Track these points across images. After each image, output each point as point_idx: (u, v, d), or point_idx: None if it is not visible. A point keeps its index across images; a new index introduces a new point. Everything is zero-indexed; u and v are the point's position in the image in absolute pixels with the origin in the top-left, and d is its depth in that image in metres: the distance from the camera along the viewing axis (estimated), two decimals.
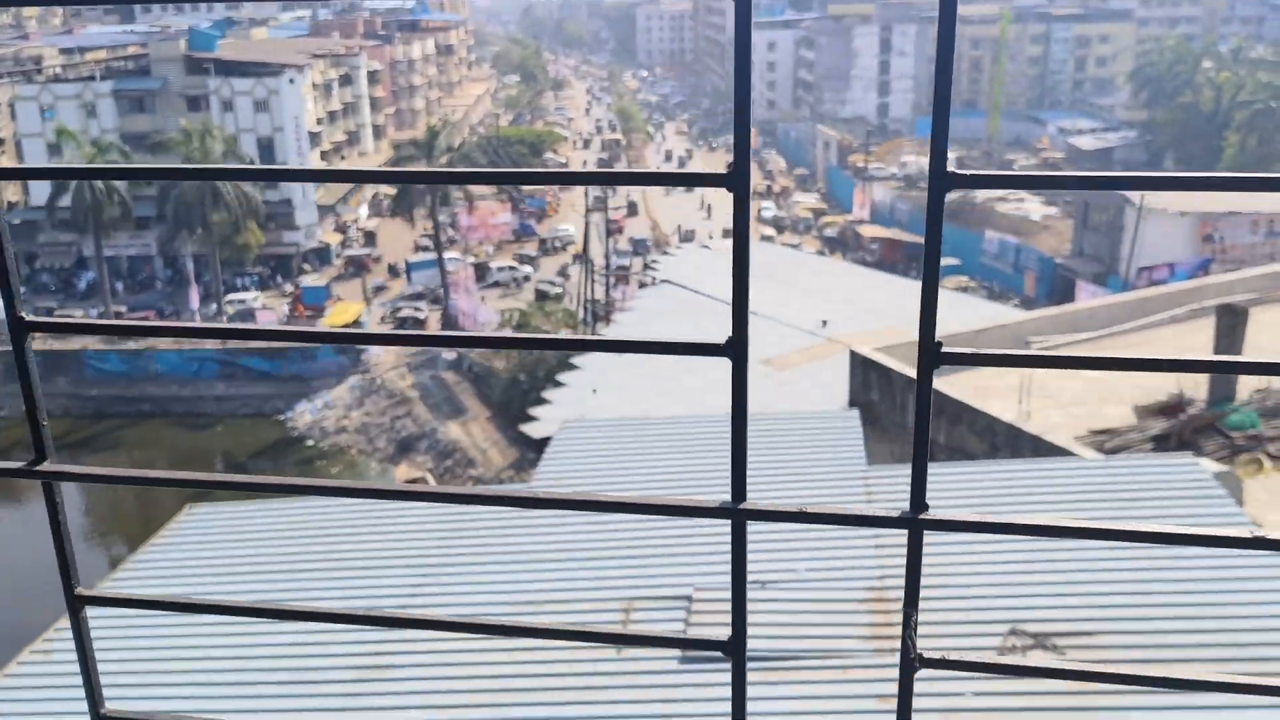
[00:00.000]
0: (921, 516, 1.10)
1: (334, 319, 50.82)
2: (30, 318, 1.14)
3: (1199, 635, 8.98)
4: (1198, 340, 19.21)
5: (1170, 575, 9.78)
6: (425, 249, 60.50)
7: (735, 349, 1.11)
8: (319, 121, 63.61)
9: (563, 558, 10.66)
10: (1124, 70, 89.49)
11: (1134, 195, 48.68)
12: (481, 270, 56.12)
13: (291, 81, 58.38)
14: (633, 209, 73.63)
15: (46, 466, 1.14)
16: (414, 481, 30.80)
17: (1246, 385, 18.06)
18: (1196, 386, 18.08)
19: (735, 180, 1.11)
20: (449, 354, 48.77)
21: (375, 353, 49.47)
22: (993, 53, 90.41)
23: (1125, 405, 17.97)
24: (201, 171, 1.23)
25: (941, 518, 1.14)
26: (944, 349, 1.09)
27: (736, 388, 1.13)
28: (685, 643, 1.31)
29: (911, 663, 1.09)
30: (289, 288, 56.09)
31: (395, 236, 63.84)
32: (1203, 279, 27.26)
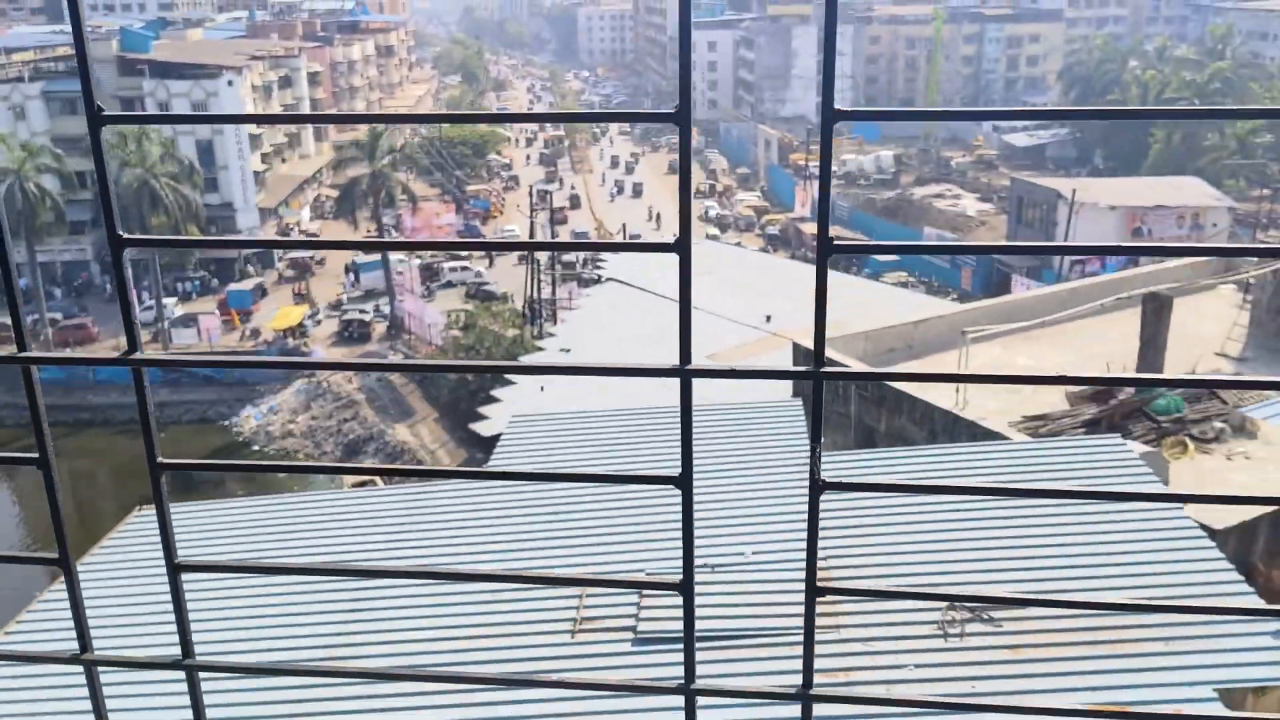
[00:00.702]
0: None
1: (277, 323, 50.29)
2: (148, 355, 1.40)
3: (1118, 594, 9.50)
4: (1125, 328, 19.98)
5: (1095, 547, 10.32)
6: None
7: (680, 248, 1.39)
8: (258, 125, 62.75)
9: (518, 544, 10.90)
10: (1054, 69, 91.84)
11: (1065, 190, 50.11)
12: (433, 271, 55.85)
13: (230, 84, 57.62)
14: (575, 202, 74.50)
15: (138, 355, 1.41)
16: (365, 484, 30.73)
17: (1172, 371, 18.84)
18: (1125, 373, 18.83)
19: (680, 117, 1.37)
20: (395, 355, 48.53)
21: (322, 354, 49.06)
22: (928, 52, 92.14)
23: (1057, 392, 18.65)
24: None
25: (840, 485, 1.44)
26: (836, 242, 1.39)
27: (683, 281, 1.42)
28: (642, 584, 1.59)
29: (819, 485, 1.40)
30: (259, 292, 55.33)
31: (338, 238, 63.28)
32: (1131, 270, 28.25)
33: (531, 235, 51.10)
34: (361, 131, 56.46)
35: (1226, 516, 14.67)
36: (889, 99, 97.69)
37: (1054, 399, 18.53)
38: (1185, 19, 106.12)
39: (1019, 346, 21.15)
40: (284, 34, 78.36)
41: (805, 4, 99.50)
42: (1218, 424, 17.04)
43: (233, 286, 54.34)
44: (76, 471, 42.38)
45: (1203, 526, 13.56)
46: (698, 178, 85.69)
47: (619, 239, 64.40)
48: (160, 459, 1.47)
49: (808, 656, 1.49)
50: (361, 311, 52.00)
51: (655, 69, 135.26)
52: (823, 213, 1.38)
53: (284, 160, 68.35)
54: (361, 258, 55.56)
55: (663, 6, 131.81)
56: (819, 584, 1.44)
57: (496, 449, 14.34)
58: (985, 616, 9.75)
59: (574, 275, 50.40)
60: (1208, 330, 20.64)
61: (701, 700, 1.59)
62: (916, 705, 1.52)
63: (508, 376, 31.46)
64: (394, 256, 54.42)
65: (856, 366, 19.65)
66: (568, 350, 30.79)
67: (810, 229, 63.02)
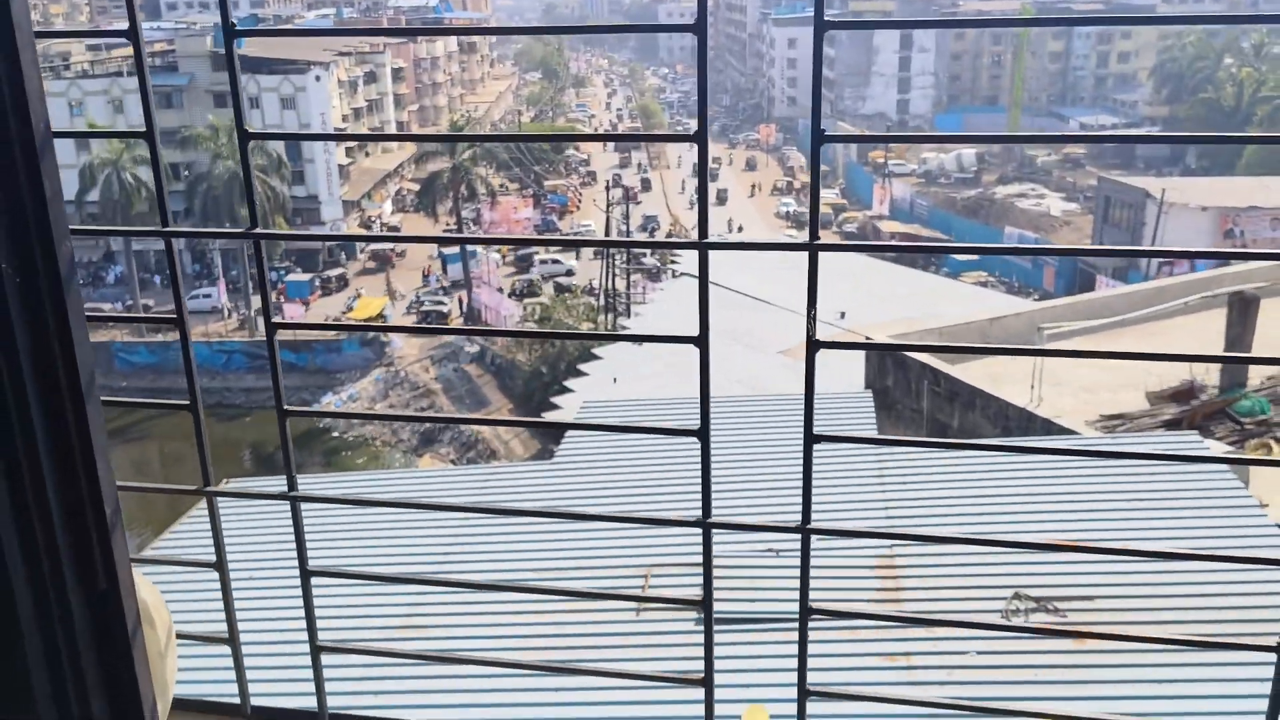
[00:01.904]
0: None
1: (359, 313, 51.57)
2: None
3: (1187, 599, 9.37)
4: (1210, 329, 19.46)
5: (1166, 544, 10.16)
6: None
7: (700, 249, 1.58)
8: (344, 118, 64.46)
9: (583, 529, 11.14)
10: (1146, 66, 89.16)
11: (1155, 190, 48.72)
12: (525, 264, 57.12)
13: (318, 79, 59.21)
14: (646, 185, 77.05)
15: (275, 320, 1.67)
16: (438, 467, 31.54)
17: (1259, 373, 18.33)
18: (1209, 373, 18.36)
19: (699, 138, 1.57)
20: (471, 347, 49.41)
21: (399, 345, 50.18)
22: (1014, 48, 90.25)
23: (1138, 391, 18.28)
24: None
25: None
26: (819, 244, 1.56)
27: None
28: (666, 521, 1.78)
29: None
30: (315, 282, 56.89)
31: (418, 231, 64.63)
32: (1219, 270, 27.45)
33: (607, 231, 51.53)
34: (443, 126, 57.56)
35: None
36: (973, 97, 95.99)
37: (1134, 398, 18.18)
38: None
39: (1101, 344, 20.76)
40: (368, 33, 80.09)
41: (889, 1, 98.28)
42: None
43: (290, 278, 55.70)
44: (166, 453, 44.08)
45: None
46: (775, 174, 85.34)
47: (693, 233, 64.44)
48: (285, 406, 1.74)
49: (806, 498, 1.67)
50: (438, 303, 53.04)
51: (735, 65, 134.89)
52: (814, 211, 1.54)
53: (367, 154, 69.96)
54: (448, 250, 56.73)
55: (742, 4, 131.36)
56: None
57: (565, 437, 14.63)
58: (1051, 607, 9.70)
59: (646, 269, 50.70)
60: None
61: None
62: (902, 539, 1.67)
63: (579, 368, 31.89)
64: (479, 250, 55.39)
65: (930, 362, 19.50)
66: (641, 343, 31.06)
67: (889, 227, 62.39)
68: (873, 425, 14.05)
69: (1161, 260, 44.55)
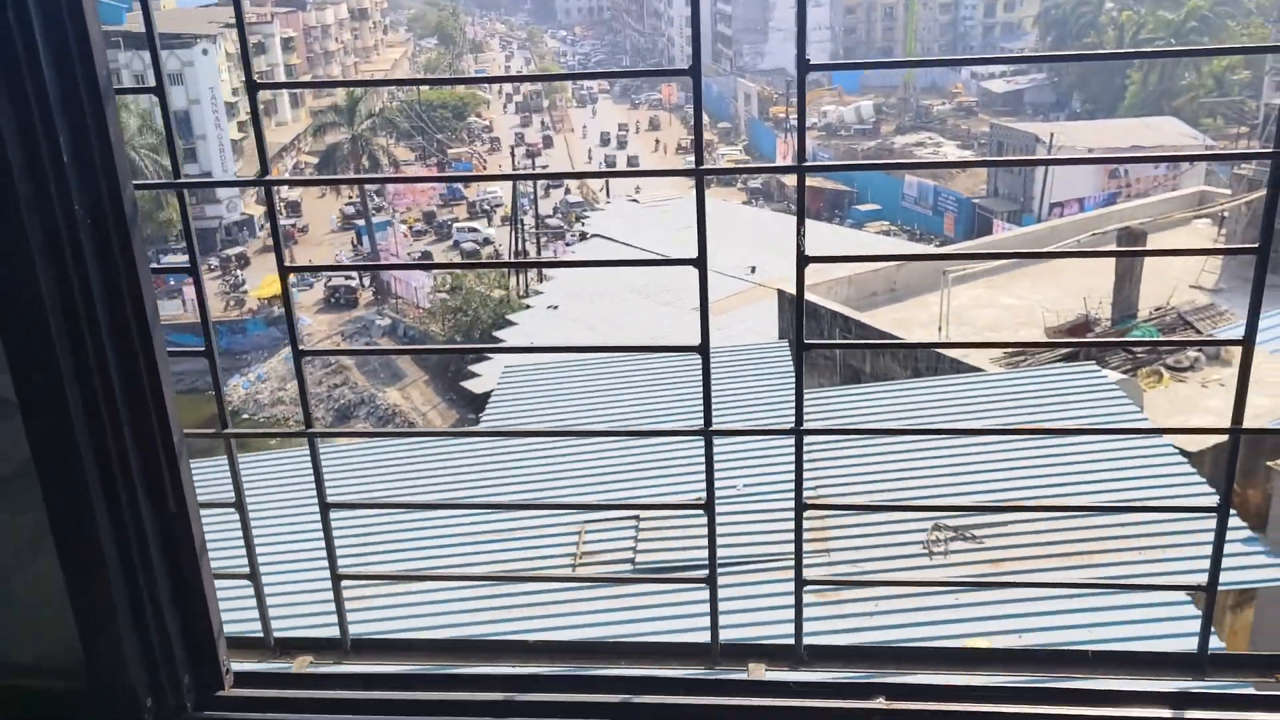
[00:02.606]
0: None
1: (262, 291, 50.32)
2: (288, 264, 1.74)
3: (1095, 528, 9.97)
4: (1102, 265, 20.38)
5: (1071, 466, 10.78)
6: (351, 217, 59.98)
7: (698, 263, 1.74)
8: (234, 92, 62.36)
9: (518, 490, 11.29)
10: (1030, 14, 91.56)
11: (1044, 134, 50.32)
12: (443, 234, 56.57)
13: (205, 53, 57.12)
14: (548, 142, 78.12)
15: (286, 264, 1.80)
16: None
17: (1146, 303, 19.29)
18: (1101, 306, 19.26)
19: (693, 71, 1.71)
20: (383, 320, 48.73)
21: (308, 323, 49.22)
22: (905, 0, 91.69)
23: (1037, 328, 19.10)
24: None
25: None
26: (808, 164, 1.74)
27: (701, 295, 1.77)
28: (670, 431, 1.96)
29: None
30: (213, 262, 55.22)
31: (321, 205, 63.14)
32: (1107, 209, 28.66)
33: (515, 198, 51.09)
34: (339, 96, 56.14)
35: (1201, 441, 15.19)
36: (868, 49, 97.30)
37: (1033, 334, 18.98)
38: None
39: (1001, 285, 21.56)
40: (257, 1, 77.45)
41: None
42: (1192, 352, 17.52)
43: (171, 260, 54.05)
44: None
45: (1179, 450, 14.08)
46: (678, 134, 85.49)
47: (601, 194, 64.43)
48: (300, 346, 1.87)
49: (799, 402, 1.86)
50: (347, 277, 52.05)
51: (633, 26, 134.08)
52: (801, 135, 1.71)
53: None
54: (360, 222, 55.51)
55: None
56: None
57: (489, 404, 14.69)
58: (968, 535, 10.22)
59: (557, 232, 50.52)
60: (1182, 263, 21.06)
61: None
62: (892, 434, 1.88)
63: (495, 335, 31.77)
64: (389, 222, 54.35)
65: (841, 310, 20.02)
66: (555, 308, 31.06)
67: (792, 180, 63.11)
68: (789, 371, 14.43)
69: (1054, 203, 46.18)
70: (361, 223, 54.91)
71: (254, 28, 67.22)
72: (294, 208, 63.49)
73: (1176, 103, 62.09)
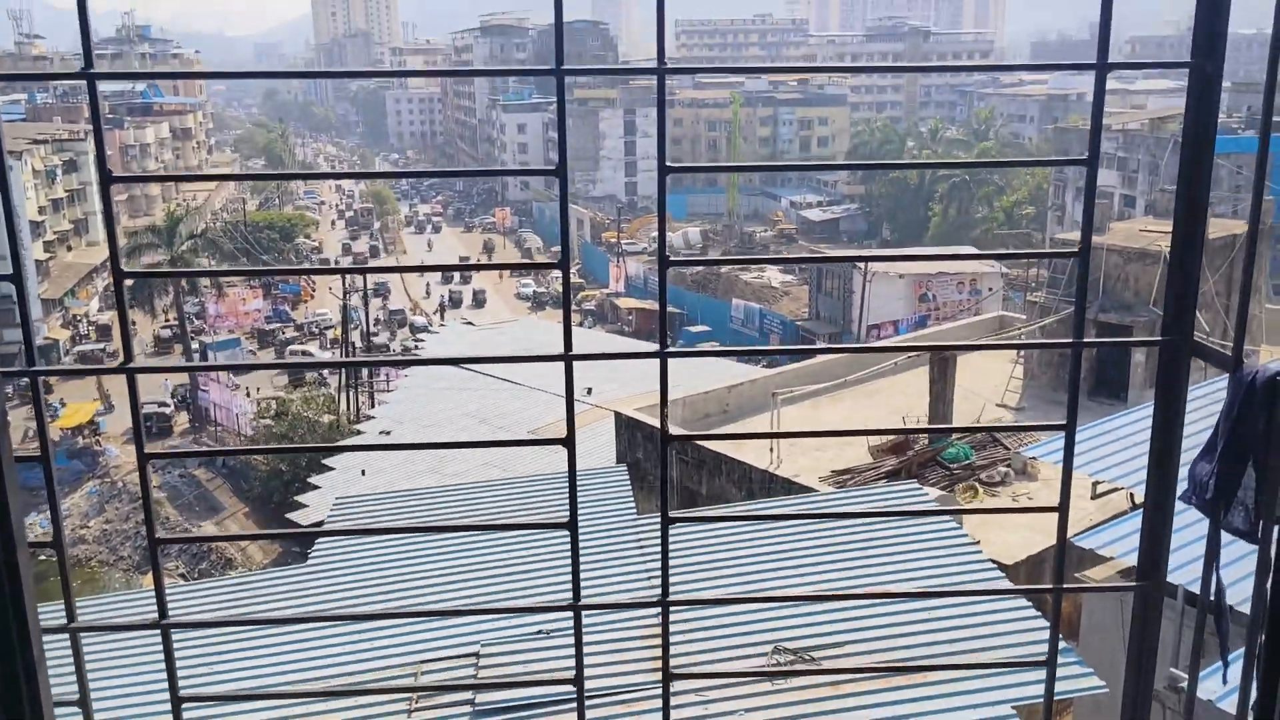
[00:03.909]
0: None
1: (66, 421, 46.94)
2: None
3: (928, 635, 10.26)
4: (916, 385, 21.58)
5: (906, 583, 11.10)
6: (167, 341, 57.24)
7: (562, 265, 1.74)
8: (41, 210, 59.24)
9: (350, 625, 10.69)
10: (842, 149, 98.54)
11: (859, 262, 53.50)
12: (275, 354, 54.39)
13: (10, 169, 54.15)
14: (375, 252, 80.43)
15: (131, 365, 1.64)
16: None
17: (959, 422, 20.45)
18: (920, 425, 20.28)
19: (562, 265, 1.74)
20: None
21: (115, 454, 46.11)
22: (727, 133, 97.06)
23: (861, 446, 19.90)
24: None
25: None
26: (671, 259, 1.77)
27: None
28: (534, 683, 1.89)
29: (666, 436, 1.75)
30: (9, 389, 51.27)
31: (133, 328, 60.00)
32: (920, 332, 30.52)
33: (345, 319, 50.05)
34: (157, 216, 54.21)
35: (1015, 551, 16.01)
36: (694, 179, 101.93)
37: (858, 453, 19.75)
38: (954, 103, 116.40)
39: (826, 406, 22.45)
40: (69, 116, 74.61)
41: (611, 89, 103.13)
42: (1002, 468, 18.60)
43: None
44: None
45: (995, 562, 14.76)
46: (512, 255, 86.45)
47: (436, 319, 63.97)
48: (146, 449, 1.70)
49: (665, 573, 1.82)
50: (161, 405, 49.22)
51: (466, 150, 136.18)
52: (661, 235, 1.75)
53: (70, 249, 64.53)
54: (152, 351, 52.80)
55: (470, 90, 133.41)
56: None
57: (319, 539, 14.00)
58: (807, 657, 10.29)
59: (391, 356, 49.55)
60: (988, 384, 22.54)
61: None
62: (771, 600, 1.86)
63: (325, 461, 30.55)
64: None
65: (677, 432, 20.30)
66: (388, 433, 30.22)
67: (625, 303, 64.61)
68: (630, 499, 14.43)
69: (871, 325, 48.82)
70: (214, 340, 52.52)
71: (65, 144, 64.55)
72: (104, 332, 60.09)
73: (973, 234, 67.60)
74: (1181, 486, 1.96)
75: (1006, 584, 11.43)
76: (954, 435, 19.78)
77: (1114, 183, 58.86)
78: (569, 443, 1.72)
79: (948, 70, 1.97)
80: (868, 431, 2.51)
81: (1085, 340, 1.92)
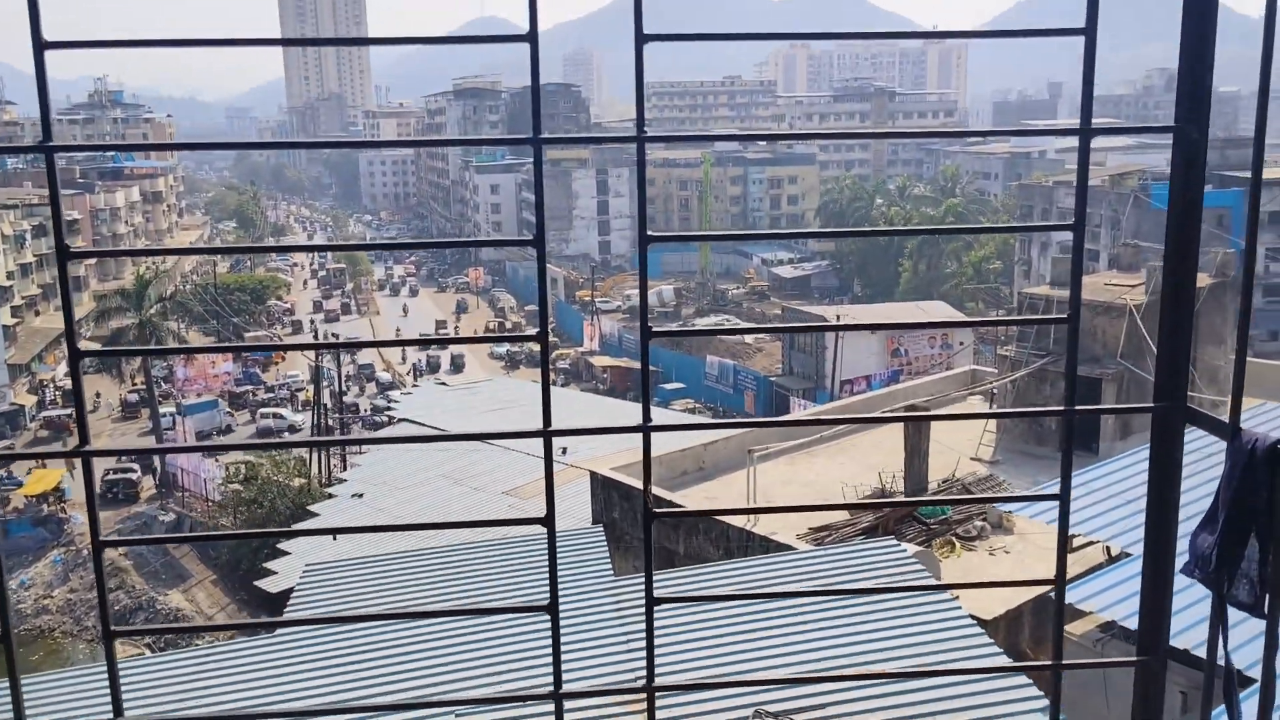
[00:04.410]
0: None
1: (31, 488, 46.03)
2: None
3: (913, 704, 10.11)
4: (893, 440, 21.60)
5: (891, 652, 10.96)
6: (135, 406, 56.50)
7: (541, 337, 1.68)
8: (9, 275, 58.71)
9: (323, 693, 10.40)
10: (812, 207, 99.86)
11: (830, 316, 53.90)
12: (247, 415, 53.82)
13: None
14: (346, 309, 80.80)
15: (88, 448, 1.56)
16: (132, 658, 28.14)
17: (935, 476, 20.44)
18: (895, 481, 20.26)
19: (537, 242, 1.68)
20: (166, 517, 45.40)
21: (80, 521, 45.17)
22: (699, 193, 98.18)
23: (839, 502, 19.81)
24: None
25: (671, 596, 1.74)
26: (654, 330, 1.72)
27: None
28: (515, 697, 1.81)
29: (650, 513, 1.68)
30: None
31: (102, 393, 59.23)
32: (893, 387, 30.65)
33: (317, 383, 49.64)
34: (126, 280, 53.84)
35: (994, 606, 15.91)
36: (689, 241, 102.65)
37: (836, 511, 19.66)
38: (920, 161, 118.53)
39: (802, 462, 22.39)
40: (39, 182, 74.30)
41: (583, 150, 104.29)
42: (978, 523, 18.57)
43: None
44: None
45: (974, 617, 14.65)
46: (485, 315, 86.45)
47: (410, 379, 63.61)
48: (101, 537, 1.62)
49: (650, 656, 1.74)
50: (126, 471, 48.41)
51: (439, 211, 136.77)
52: (643, 306, 1.70)
53: (38, 314, 63.86)
54: (118, 417, 52.11)
55: (443, 153, 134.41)
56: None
57: (291, 601, 13.70)
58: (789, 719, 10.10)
59: (363, 418, 49.22)
60: (962, 438, 22.59)
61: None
62: (757, 684, 1.78)
63: (295, 528, 30.02)
64: (173, 412, 51.37)
65: (654, 491, 20.17)
66: (360, 496, 29.82)
67: (600, 361, 64.63)
68: (607, 560, 14.24)
69: (844, 380, 49.02)
70: (189, 402, 51.85)
71: (34, 209, 64.23)
72: (69, 396, 59.25)
73: (943, 289, 68.39)
74: (1181, 559, 1.90)
75: (997, 651, 11.31)
76: (950, 505, 19.76)
77: None
78: (549, 521, 1.65)
79: (935, 136, 1.93)
80: (850, 505, 2.44)
81: (1078, 408, 1.88)
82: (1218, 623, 1.89)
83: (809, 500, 20.27)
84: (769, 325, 62.14)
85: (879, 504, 3.15)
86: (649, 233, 1.67)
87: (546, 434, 1.68)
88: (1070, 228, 1.87)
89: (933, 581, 13.94)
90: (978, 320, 2.12)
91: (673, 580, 13.37)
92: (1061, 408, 1.84)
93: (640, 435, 1.77)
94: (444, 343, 1.76)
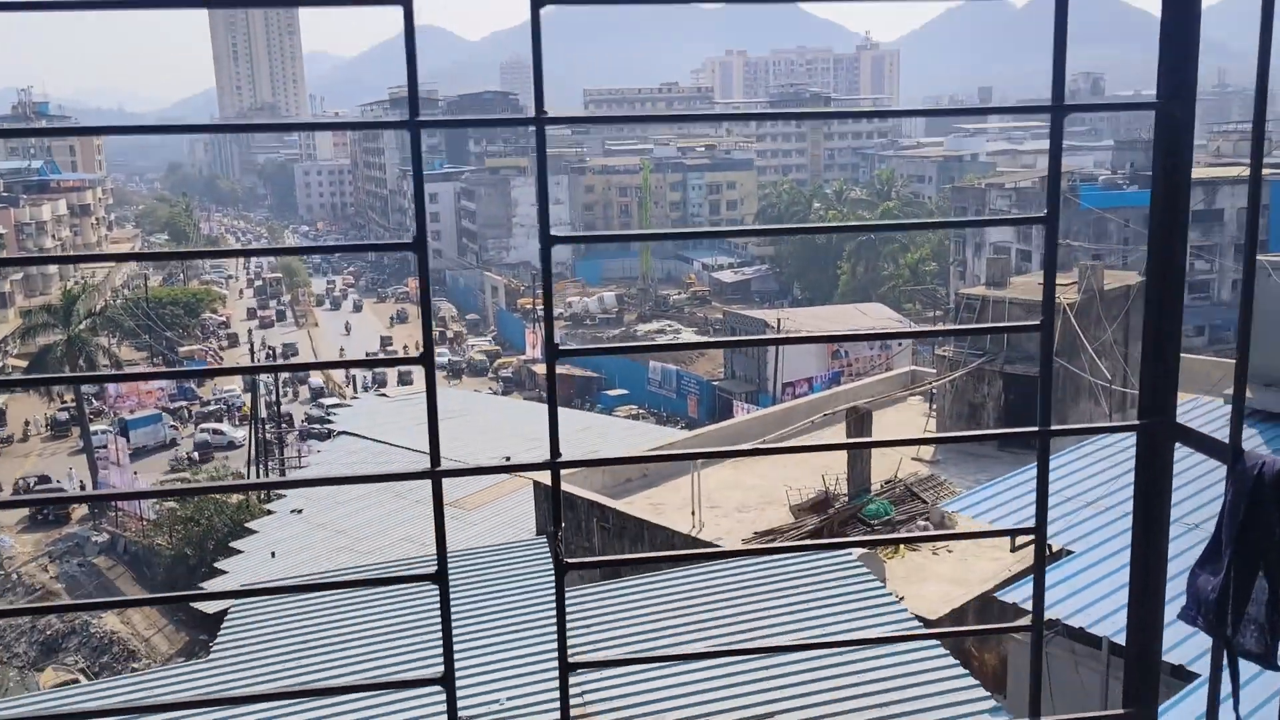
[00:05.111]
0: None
1: None
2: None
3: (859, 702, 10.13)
4: (835, 441, 21.72)
5: (836, 661, 10.97)
6: (65, 425, 54.88)
7: (426, 360, 1.55)
8: None
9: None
10: (751, 211, 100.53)
11: (771, 319, 54.24)
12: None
13: None
14: (281, 316, 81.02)
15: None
16: (66, 684, 27.24)
17: (878, 478, 20.60)
18: (839, 484, 20.37)
19: (418, 245, 1.56)
20: (99, 538, 44.13)
21: (8, 544, 43.70)
22: (638, 198, 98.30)
23: (783, 506, 19.86)
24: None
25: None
26: (561, 347, 1.60)
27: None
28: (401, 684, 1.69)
29: (562, 565, 1.57)
30: None
31: (29, 411, 57.43)
32: (834, 389, 30.89)
33: (254, 397, 48.60)
34: (53, 295, 52.29)
35: (938, 606, 16.05)
36: (608, 245, 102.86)
37: (781, 513, 19.70)
38: (856, 165, 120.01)
39: (746, 466, 22.41)
40: None
41: (521, 157, 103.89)
42: (921, 523, 18.74)
43: None
44: None
45: (918, 617, 14.76)
46: None
47: (347, 388, 62.66)
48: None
49: (561, 635, 1.63)
50: (58, 491, 46.95)
51: (377, 221, 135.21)
52: (548, 319, 1.59)
53: None
54: (44, 437, 50.56)
55: (381, 161, 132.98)
56: (570, 660, 1.59)
57: (222, 630, 13.37)
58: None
59: (301, 429, 48.32)
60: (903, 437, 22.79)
61: None
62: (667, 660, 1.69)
63: (233, 545, 29.38)
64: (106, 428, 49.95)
65: (598, 499, 20.08)
66: (299, 511, 29.23)
67: (543, 369, 64.30)
68: (549, 572, 14.09)
69: (786, 382, 49.35)
70: (132, 417, 50.35)
71: None
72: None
73: (881, 290, 69.21)
74: (1178, 604, 1.71)
75: (931, 641, 11.35)
76: (864, 500, 19.90)
77: (1010, 238, 61.06)
78: (440, 578, 1.51)
79: (910, 115, 1.83)
80: (798, 543, 2.35)
81: (1054, 429, 1.73)
82: (1219, 676, 1.64)
83: (753, 502, 20.30)
84: (701, 340, 62.29)
85: (880, 542, 3.08)
86: (552, 233, 1.53)
87: (435, 474, 1.53)
88: (1043, 220, 1.73)
89: (878, 584, 14.01)
90: (953, 330, 2.02)
91: (608, 592, 13.26)
92: (1035, 428, 1.71)
93: (549, 471, 1.64)
94: (327, 367, 1.56)
